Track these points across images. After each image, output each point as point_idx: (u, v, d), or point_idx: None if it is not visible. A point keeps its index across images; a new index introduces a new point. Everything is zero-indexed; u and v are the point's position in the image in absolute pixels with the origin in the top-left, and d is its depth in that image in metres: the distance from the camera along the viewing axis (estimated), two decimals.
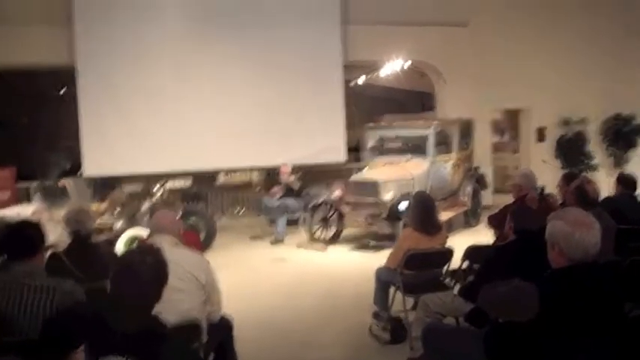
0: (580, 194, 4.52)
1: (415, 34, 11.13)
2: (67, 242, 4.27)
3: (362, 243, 8.77)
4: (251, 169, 10.71)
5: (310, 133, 10.97)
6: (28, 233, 3.10)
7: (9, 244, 3.06)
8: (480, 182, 10.26)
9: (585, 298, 2.34)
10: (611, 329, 2.34)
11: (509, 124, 14.21)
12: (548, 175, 9.02)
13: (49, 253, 3.53)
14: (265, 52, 10.73)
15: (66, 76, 11.36)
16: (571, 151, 12.10)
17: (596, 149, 12.30)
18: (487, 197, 10.67)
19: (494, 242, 4.94)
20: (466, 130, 10.12)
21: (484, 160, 11.52)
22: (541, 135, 12.34)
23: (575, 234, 2.45)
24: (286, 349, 4.84)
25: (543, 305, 2.31)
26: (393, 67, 11.68)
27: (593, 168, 11.96)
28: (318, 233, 8.96)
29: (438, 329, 3.66)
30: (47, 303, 2.85)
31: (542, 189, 5.35)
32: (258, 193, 10.76)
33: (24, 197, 9.54)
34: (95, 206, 8.00)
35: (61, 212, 7.21)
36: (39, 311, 2.84)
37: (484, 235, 5.67)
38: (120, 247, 7.10)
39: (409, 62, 11.61)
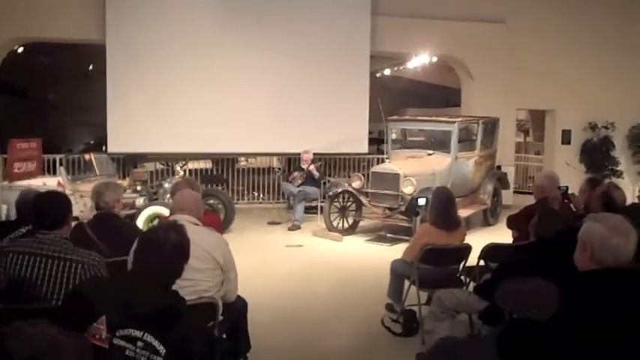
0: (606, 200, 4.45)
1: (445, 28, 11.02)
2: (91, 215, 4.35)
3: (378, 235, 8.76)
4: (272, 155, 10.72)
5: (333, 122, 10.93)
6: (56, 204, 3.11)
7: (36, 213, 3.08)
8: (501, 181, 10.18)
9: (612, 303, 2.29)
10: (637, 338, 2.28)
11: (534, 125, 14.06)
12: (571, 179, 8.89)
13: (73, 224, 3.58)
14: (291, 38, 10.68)
15: (94, 53, 11.50)
16: (596, 155, 11.95)
17: (622, 156, 12.13)
18: (508, 197, 10.58)
19: (513, 242, 4.91)
20: (491, 128, 10.03)
21: (507, 159, 11.43)
22: (566, 138, 12.19)
23: (613, 239, 2.38)
24: (298, 336, 4.88)
25: (566, 306, 2.28)
26: (420, 60, 11.61)
27: (618, 174, 11.81)
28: (335, 222, 8.97)
29: (449, 345, 3.59)
30: (71, 274, 2.88)
31: (566, 189, 5.27)
32: (277, 178, 10.80)
33: (49, 169, 9.70)
34: (118, 182, 8.10)
35: (84, 185, 7.38)
36: (62, 281, 2.88)
37: (502, 235, 5.62)
38: (140, 223, 7.21)
39: (436, 57, 11.52)
